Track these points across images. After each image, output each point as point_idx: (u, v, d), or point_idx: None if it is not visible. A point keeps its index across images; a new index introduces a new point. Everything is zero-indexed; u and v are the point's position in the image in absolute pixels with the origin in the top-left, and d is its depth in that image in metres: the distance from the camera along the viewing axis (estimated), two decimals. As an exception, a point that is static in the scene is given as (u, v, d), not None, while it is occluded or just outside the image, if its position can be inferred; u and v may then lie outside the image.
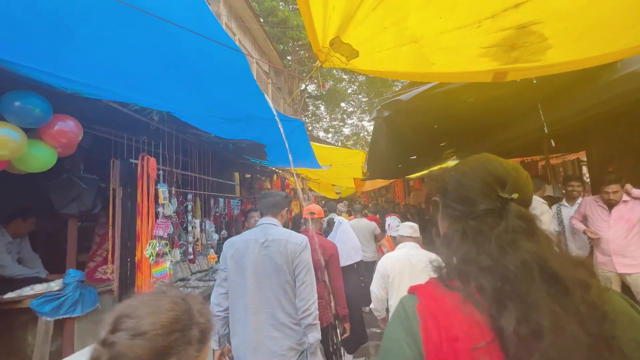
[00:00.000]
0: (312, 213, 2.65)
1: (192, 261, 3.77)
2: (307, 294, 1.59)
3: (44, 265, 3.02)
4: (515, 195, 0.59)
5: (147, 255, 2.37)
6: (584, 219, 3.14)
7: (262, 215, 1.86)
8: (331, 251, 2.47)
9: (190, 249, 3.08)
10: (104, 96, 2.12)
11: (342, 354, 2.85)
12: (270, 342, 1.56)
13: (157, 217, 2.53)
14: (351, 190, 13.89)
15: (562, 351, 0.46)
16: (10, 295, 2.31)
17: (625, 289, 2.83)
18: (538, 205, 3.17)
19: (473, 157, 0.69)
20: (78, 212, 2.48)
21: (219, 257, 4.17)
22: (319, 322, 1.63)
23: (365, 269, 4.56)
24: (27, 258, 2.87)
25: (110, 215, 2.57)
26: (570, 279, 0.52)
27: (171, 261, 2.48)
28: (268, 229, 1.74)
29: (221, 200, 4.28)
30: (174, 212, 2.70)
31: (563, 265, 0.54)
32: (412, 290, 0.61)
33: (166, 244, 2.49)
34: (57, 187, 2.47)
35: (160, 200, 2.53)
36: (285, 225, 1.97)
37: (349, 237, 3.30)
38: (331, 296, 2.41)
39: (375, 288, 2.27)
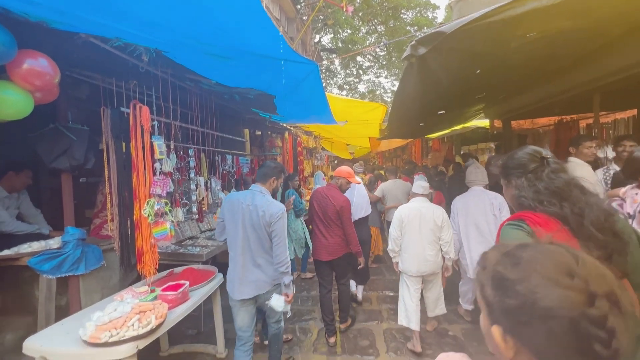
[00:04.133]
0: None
1: (200, 220, 3.64)
2: (278, 251, 2.16)
3: (51, 222, 2.91)
4: (549, 154, 1.15)
5: (146, 215, 2.17)
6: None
7: (255, 182, 2.36)
8: (342, 203, 2.97)
9: (195, 209, 2.87)
10: (76, 27, 1.75)
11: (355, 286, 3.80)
12: (250, 275, 2.20)
13: (154, 173, 2.28)
14: (365, 150, 13.41)
15: (595, 218, 0.95)
16: (6, 252, 2.20)
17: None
18: (577, 167, 2.57)
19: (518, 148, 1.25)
20: (69, 166, 2.26)
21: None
22: (289, 270, 2.19)
23: None
24: (27, 214, 2.75)
25: (106, 171, 2.35)
26: (590, 188, 1.06)
27: (172, 221, 2.28)
28: (255, 195, 2.22)
29: (229, 157, 4.00)
30: (173, 168, 2.44)
31: (585, 183, 1.08)
32: (520, 216, 1.06)
33: (166, 203, 2.27)
34: (44, 139, 2.22)
35: (157, 155, 2.26)
36: (275, 191, 2.42)
37: (363, 193, 3.86)
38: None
39: (393, 230, 2.93)
